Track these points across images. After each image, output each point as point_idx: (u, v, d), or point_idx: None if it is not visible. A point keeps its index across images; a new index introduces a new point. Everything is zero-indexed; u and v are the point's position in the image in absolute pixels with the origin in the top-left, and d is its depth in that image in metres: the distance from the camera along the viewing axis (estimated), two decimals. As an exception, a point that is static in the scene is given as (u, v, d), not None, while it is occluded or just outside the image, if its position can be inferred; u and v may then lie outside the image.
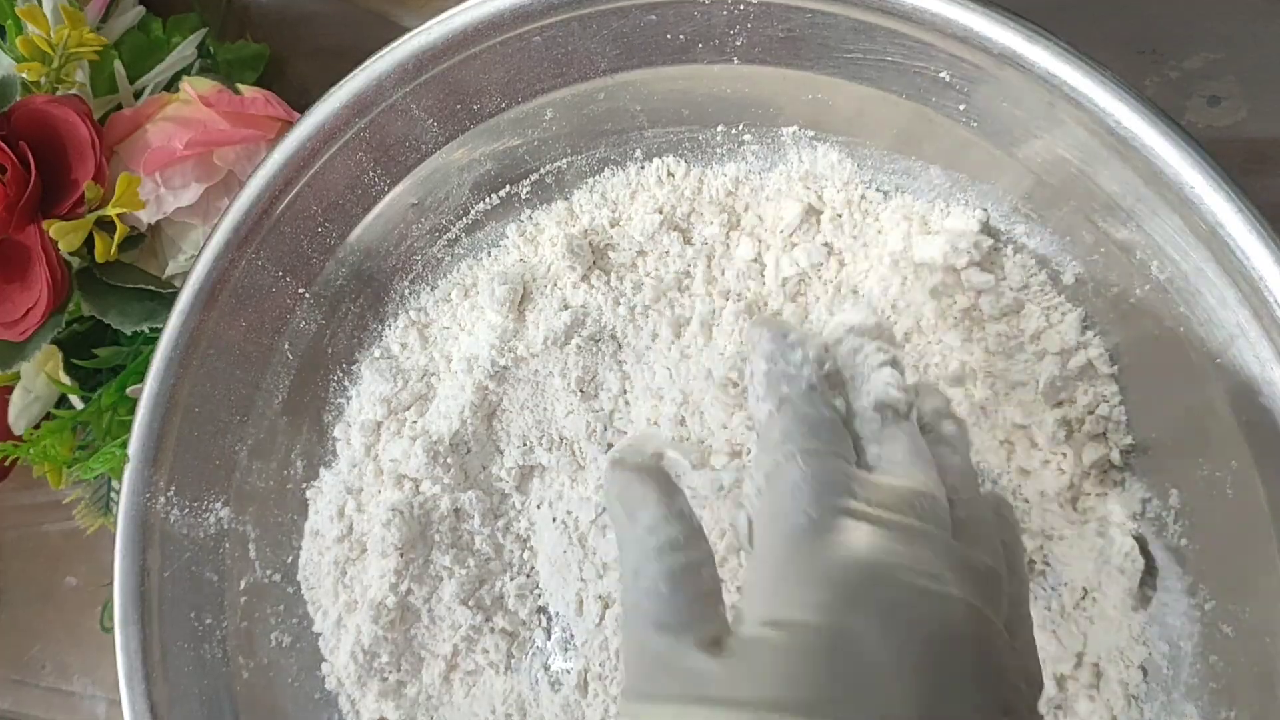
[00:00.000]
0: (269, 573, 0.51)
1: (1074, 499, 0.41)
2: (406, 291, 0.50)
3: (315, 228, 0.48)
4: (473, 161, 0.47)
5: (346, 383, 0.51)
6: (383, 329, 0.51)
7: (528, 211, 0.49)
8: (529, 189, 0.48)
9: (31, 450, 0.51)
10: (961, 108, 0.38)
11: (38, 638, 0.66)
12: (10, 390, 0.53)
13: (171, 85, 0.55)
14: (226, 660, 0.50)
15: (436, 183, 0.48)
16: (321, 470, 0.51)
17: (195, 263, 0.47)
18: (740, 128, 0.45)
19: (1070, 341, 0.40)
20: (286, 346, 0.50)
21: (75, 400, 0.53)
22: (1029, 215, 0.40)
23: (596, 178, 0.48)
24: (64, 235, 0.47)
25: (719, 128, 0.45)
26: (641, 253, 0.47)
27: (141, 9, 0.56)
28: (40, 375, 0.53)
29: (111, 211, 0.48)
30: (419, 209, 0.48)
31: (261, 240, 0.47)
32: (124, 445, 0.47)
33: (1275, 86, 0.46)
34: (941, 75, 0.38)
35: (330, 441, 0.51)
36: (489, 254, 0.50)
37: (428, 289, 0.50)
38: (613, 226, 0.48)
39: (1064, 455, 0.41)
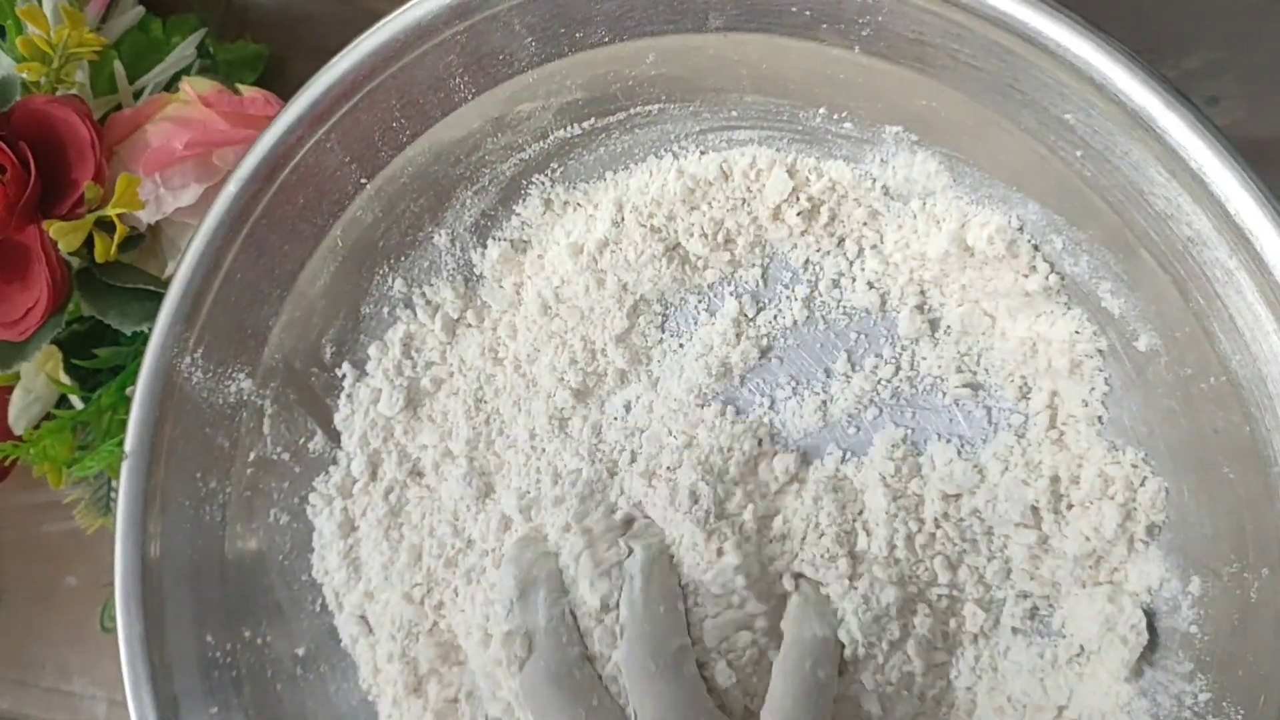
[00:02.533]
0: (279, 450, 0.51)
1: (1096, 561, 0.41)
2: (468, 201, 0.49)
3: (390, 121, 0.46)
4: (563, 88, 0.45)
5: (391, 279, 0.50)
6: (435, 233, 0.50)
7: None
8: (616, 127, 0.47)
9: (32, 450, 0.52)
10: (1079, 154, 0.37)
11: (38, 638, 0.66)
12: (10, 390, 0.54)
13: (171, 85, 0.55)
14: (224, 524, 0.50)
15: (522, 101, 0.46)
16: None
17: (264, 133, 0.46)
18: (842, 115, 0.43)
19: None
20: (339, 233, 0.49)
21: (75, 400, 0.54)
22: (1119, 277, 0.39)
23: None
24: (64, 235, 0.47)
25: (821, 109, 0.43)
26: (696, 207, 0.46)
27: (141, 9, 0.56)
28: (40, 375, 0.53)
29: (111, 212, 0.48)
30: (498, 123, 0.47)
31: (335, 123, 0.46)
32: (121, 443, 0.48)
33: (1275, 86, 0.45)
34: (1066, 117, 0.36)
35: (361, 338, 0.51)
36: (564, 185, 0.49)
37: (490, 204, 0.49)
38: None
39: (1093, 508, 0.41)
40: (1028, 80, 0.36)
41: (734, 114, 0.45)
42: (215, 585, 0.50)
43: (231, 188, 0.46)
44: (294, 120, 0.45)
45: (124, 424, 0.47)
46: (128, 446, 0.48)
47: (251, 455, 0.50)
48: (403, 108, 0.46)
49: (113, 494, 0.54)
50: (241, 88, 0.52)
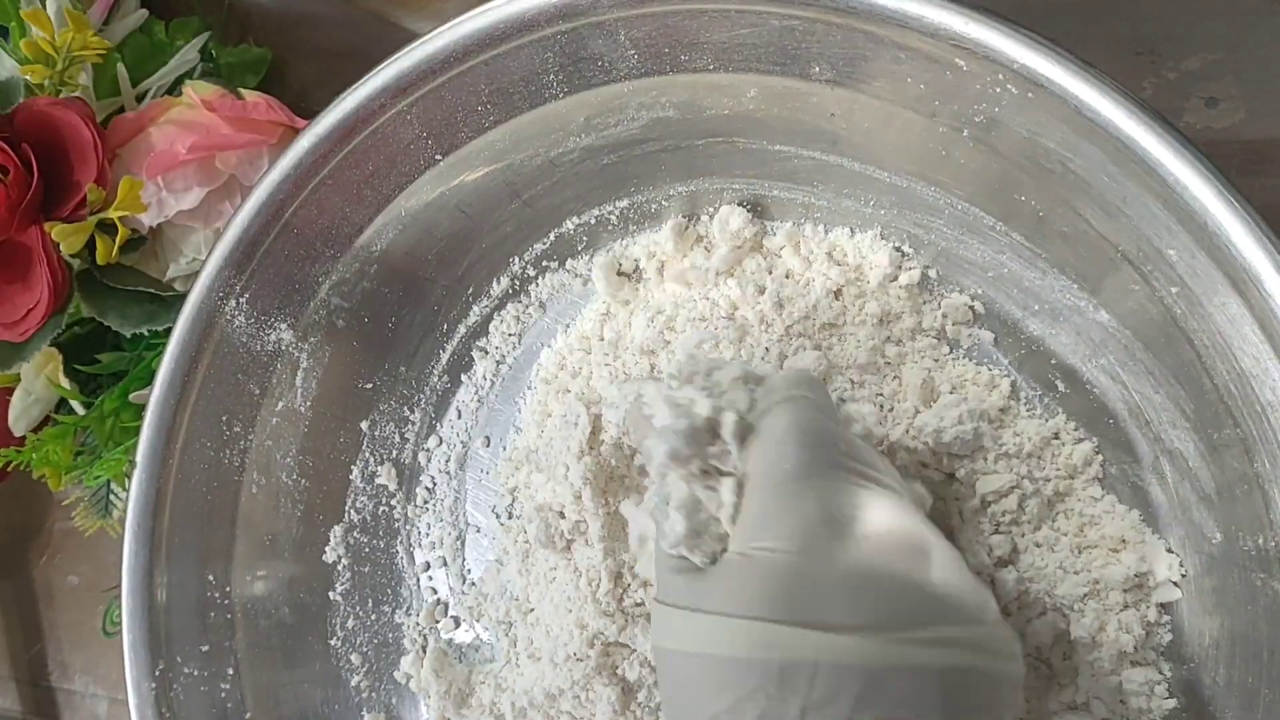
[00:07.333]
0: (306, 404, 0.51)
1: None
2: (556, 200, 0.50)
3: (476, 105, 0.45)
4: (657, 103, 0.44)
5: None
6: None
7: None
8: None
9: (34, 455, 0.51)
10: (1174, 290, 0.36)
11: (38, 638, 0.66)
12: (10, 392, 0.53)
13: (174, 89, 0.54)
14: (241, 470, 0.50)
15: (610, 110, 0.45)
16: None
17: (347, 95, 0.44)
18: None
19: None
20: (404, 204, 0.48)
21: (76, 405, 0.53)
22: (1187, 417, 0.38)
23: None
24: (66, 237, 0.47)
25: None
26: None
27: (144, 12, 0.55)
28: (40, 377, 0.52)
29: (113, 214, 0.48)
30: (585, 125, 0.46)
31: (419, 98, 0.44)
32: (127, 452, 0.47)
33: (1273, 87, 0.45)
34: (1169, 253, 0.35)
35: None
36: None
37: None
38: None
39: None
40: (1135, 207, 0.35)
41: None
42: (225, 529, 0.50)
43: (305, 142, 0.45)
44: (378, 88, 0.44)
45: (127, 431, 0.47)
46: (160, 376, 0.47)
47: (279, 405, 0.50)
48: (491, 94, 0.45)
49: (112, 496, 0.54)
50: (244, 92, 0.51)
